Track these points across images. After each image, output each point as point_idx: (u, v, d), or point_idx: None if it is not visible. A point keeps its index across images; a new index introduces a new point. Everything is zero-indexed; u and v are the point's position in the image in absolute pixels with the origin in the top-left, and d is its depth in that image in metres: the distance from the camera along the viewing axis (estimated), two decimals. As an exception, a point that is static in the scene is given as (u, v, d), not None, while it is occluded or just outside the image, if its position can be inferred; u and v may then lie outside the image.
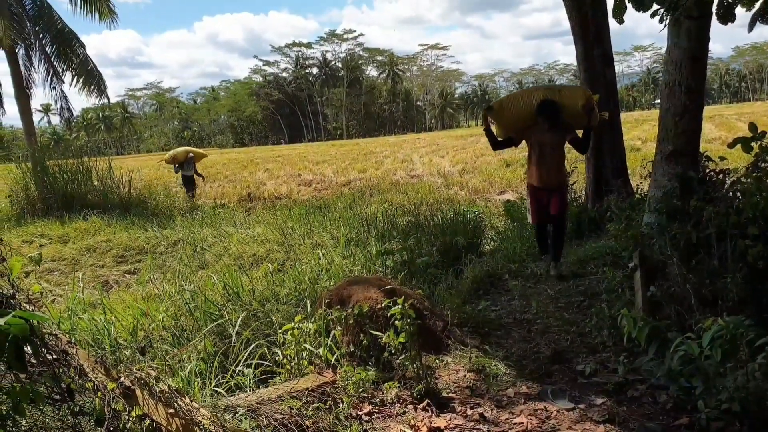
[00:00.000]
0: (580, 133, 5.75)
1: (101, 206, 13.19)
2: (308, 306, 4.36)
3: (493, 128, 6.00)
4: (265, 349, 3.79)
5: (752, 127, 3.85)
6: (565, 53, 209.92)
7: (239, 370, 3.58)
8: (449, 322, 4.31)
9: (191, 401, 2.61)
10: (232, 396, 3.26)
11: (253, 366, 3.61)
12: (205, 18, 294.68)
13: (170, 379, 2.97)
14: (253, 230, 9.60)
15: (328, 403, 3.19)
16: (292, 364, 3.59)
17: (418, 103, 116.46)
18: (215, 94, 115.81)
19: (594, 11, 8.31)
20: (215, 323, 4.21)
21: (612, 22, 6.15)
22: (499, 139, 5.95)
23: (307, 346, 3.71)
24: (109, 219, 12.02)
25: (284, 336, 3.69)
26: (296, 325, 3.64)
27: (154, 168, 27.80)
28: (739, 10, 3.79)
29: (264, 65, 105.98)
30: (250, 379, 3.49)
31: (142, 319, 4.59)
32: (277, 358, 3.70)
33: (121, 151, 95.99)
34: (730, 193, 4.48)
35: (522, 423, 3.02)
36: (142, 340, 4.22)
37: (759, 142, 3.86)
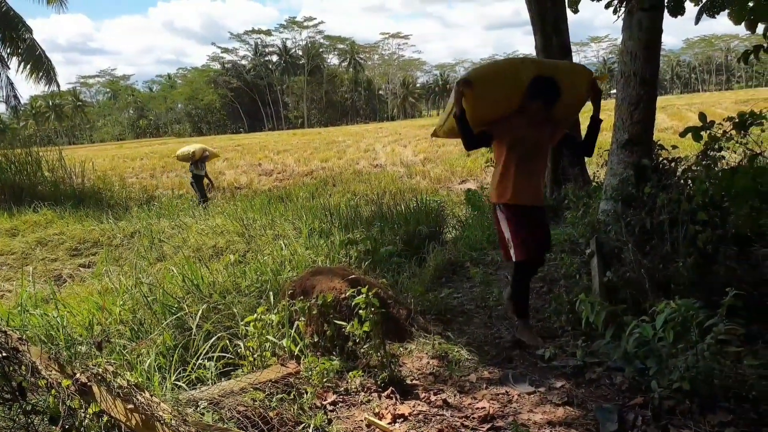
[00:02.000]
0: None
1: (53, 198, 12.75)
2: (271, 297, 4.32)
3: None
4: (227, 341, 3.74)
5: (702, 117, 3.98)
6: (524, 43, 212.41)
7: (200, 364, 3.52)
8: (413, 309, 4.34)
9: (151, 396, 2.56)
10: (193, 390, 3.21)
11: (214, 359, 3.56)
12: (160, 4, 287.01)
13: (129, 374, 2.91)
14: (213, 221, 9.43)
15: (292, 394, 3.18)
16: (255, 356, 3.55)
17: (380, 92, 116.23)
18: (172, 82, 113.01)
19: (552, 2, 8.43)
20: (175, 316, 4.13)
21: (571, 14, 6.23)
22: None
23: (270, 338, 3.68)
24: (62, 211, 11.61)
25: (246, 328, 3.66)
26: (258, 317, 3.60)
27: (109, 158, 27.06)
28: (689, 4, 3.90)
29: (222, 52, 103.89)
30: (211, 372, 3.44)
31: (98, 313, 4.47)
32: (239, 351, 3.66)
33: (73, 141, 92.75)
34: (682, 181, 4.63)
35: (484, 407, 3.07)
36: (99, 334, 4.11)
37: (708, 132, 3.99)
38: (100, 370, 2.30)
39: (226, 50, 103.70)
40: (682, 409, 2.71)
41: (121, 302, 4.70)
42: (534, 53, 8.88)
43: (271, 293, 4.42)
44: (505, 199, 3.91)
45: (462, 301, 5.04)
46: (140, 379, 3.12)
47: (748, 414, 2.63)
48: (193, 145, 13.81)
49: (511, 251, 3.91)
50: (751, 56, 3.86)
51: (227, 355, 3.65)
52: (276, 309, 3.93)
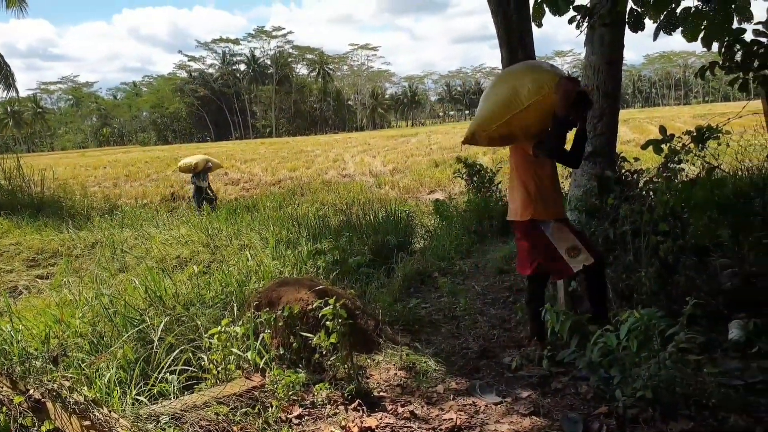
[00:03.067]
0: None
1: (9, 207, 12.32)
2: (236, 309, 4.25)
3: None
4: (190, 354, 3.66)
5: (662, 130, 4.08)
6: (491, 57, 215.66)
7: (162, 377, 3.43)
8: (381, 320, 4.32)
9: (110, 411, 2.48)
10: (154, 404, 3.12)
11: (177, 372, 3.47)
12: (125, 11, 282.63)
13: (86, 389, 2.82)
14: (177, 231, 9.26)
15: (256, 408, 3.12)
16: (219, 369, 3.48)
17: (349, 102, 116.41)
18: (137, 90, 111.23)
19: (518, 16, 8.56)
20: (136, 329, 4.02)
21: (536, 28, 6.34)
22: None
23: (235, 350, 3.61)
24: (19, 220, 11.24)
25: (210, 340, 3.58)
26: (223, 329, 3.54)
27: (70, 166, 26.40)
28: (648, 20, 4.01)
29: (189, 60, 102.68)
30: (174, 386, 3.36)
31: (56, 326, 4.32)
32: (202, 364, 3.58)
33: (32, 149, 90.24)
34: (644, 192, 4.73)
35: (451, 419, 3.06)
36: (55, 348, 3.98)
37: (668, 144, 4.10)
38: (56, 385, 2.22)
39: (193, 58, 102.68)
40: (645, 417, 2.75)
41: (80, 314, 4.56)
42: (500, 67, 9.01)
43: (236, 305, 4.35)
44: (558, 214, 3.71)
45: (430, 311, 5.04)
46: (99, 395, 3.03)
47: (707, 421, 2.68)
48: (195, 156, 13.32)
49: (575, 261, 3.59)
50: (707, 72, 3.98)
51: (190, 369, 3.57)
52: (241, 321, 3.86)
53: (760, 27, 3.63)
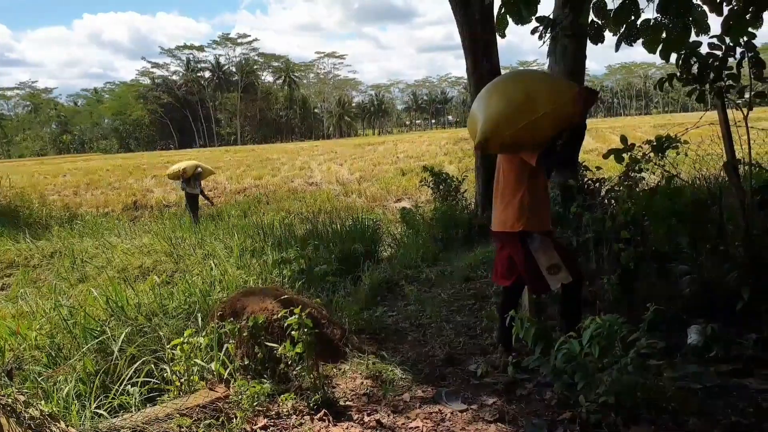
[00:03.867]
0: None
1: (-37, 216, 11.93)
2: (199, 319, 4.18)
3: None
4: (153, 365, 3.58)
5: (623, 139, 4.17)
6: (456, 66, 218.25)
7: (124, 390, 3.35)
8: (347, 329, 4.30)
9: (67, 426, 2.40)
10: (115, 417, 3.04)
11: (139, 384, 3.39)
12: (86, 16, 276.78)
13: (43, 404, 2.73)
14: (139, 240, 9.08)
15: (220, 419, 3.07)
16: (182, 380, 3.41)
17: (316, 110, 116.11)
18: (98, 97, 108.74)
19: (482, 26, 8.70)
20: (97, 340, 3.92)
21: (500, 38, 6.45)
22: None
23: (198, 361, 3.54)
24: (-27, 230, 10.88)
25: (173, 351, 3.50)
26: (186, 340, 3.47)
27: (28, 174, 25.63)
28: (608, 32, 4.12)
29: (153, 67, 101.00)
30: (135, 399, 3.28)
31: (11, 338, 4.18)
32: (165, 375, 3.50)
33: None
34: (606, 201, 4.84)
35: (418, 427, 3.06)
36: (10, 361, 3.84)
37: (629, 154, 4.19)
38: (10, 400, 2.13)
39: (156, 65, 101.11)
40: (607, 422, 2.80)
41: (38, 326, 4.43)
42: (465, 76, 9.12)
43: (199, 315, 4.27)
44: (535, 226, 3.55)
45: (397, 319, 5.04)
46: (56, 409, 2.93)
47: (667, 424, 2.74)
48: (185, 162, 13.01)
49: (554, 279, 3.51)
50: (666, 84, 4.10)
51: (153, 380, 3.50)
52: (205, 331, 3.80)
53: (714, 40, 3.75)
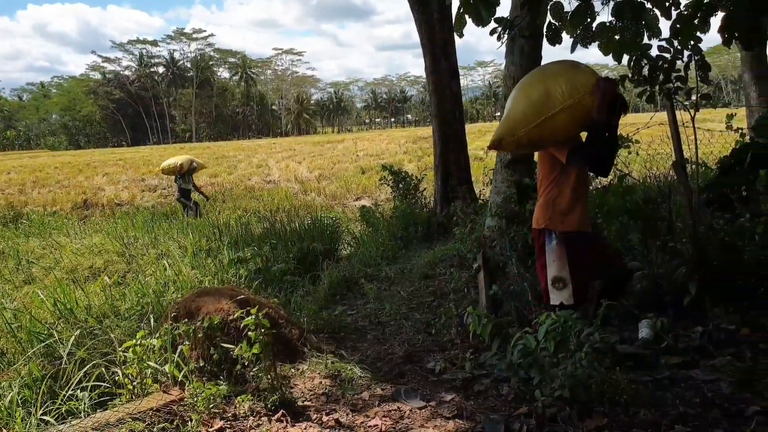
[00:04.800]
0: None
1: None
2: (153, 321, 4.08)
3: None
4: (104, 369, 3.47)
5: (577, 138, 4.26)
6: (415, 65, 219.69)
7: (72, 395, 3.23)
8: (306, 329, 4.26)
9: (10, 435, 2.29)
10: (62, 424, 2.93)
11: (88, 389, 3.28)
12: (30, 6, 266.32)
13: (-16, 412, 2.60)
14: (90, 240, 8.79)
15: (175, 423, 3.00)
16: (135, 383, 3.31)
17: (274, 107, 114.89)
18: (45, 91, 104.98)
19: (441, 25, 8.77)
20: (43, 344, 3.77)
21: (458, 38, 6.50)
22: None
23: (152, 364, 3.45)
24: None
25: (125, 354, 3.40)
26: (138, 342, 3.37)
27: (-31, 171, 24.48)
28: (565, 34, 4.20)
29: (104, 62, 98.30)
30: (84, 404, 3.18)
31: (-51, 344, 3.98)
32: (117, 379, 3.40)
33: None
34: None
35: (377, 425, 3.05)
36: (-51, 368, 3.66)
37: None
38: (-54, 409, 2.02)
39: (107, 59, 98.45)
40: (563, 415, 2.85)
41: (-22, 331, 4.23)
42: (424, 75, 9.17)
43: (153, 316, 4.17)
44: (574, 226, 3.37)
45: (356, 317, 5.02)
46: (-1, 417, 2.81)
47: (620, 417, 2.80)
48: (179, 157, 12.66)
49: (556, 293, 3.38)
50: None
51: (103, 384, 3.38)
52: (158, 333, 3.71)
53: (664, 43, 3.87)
